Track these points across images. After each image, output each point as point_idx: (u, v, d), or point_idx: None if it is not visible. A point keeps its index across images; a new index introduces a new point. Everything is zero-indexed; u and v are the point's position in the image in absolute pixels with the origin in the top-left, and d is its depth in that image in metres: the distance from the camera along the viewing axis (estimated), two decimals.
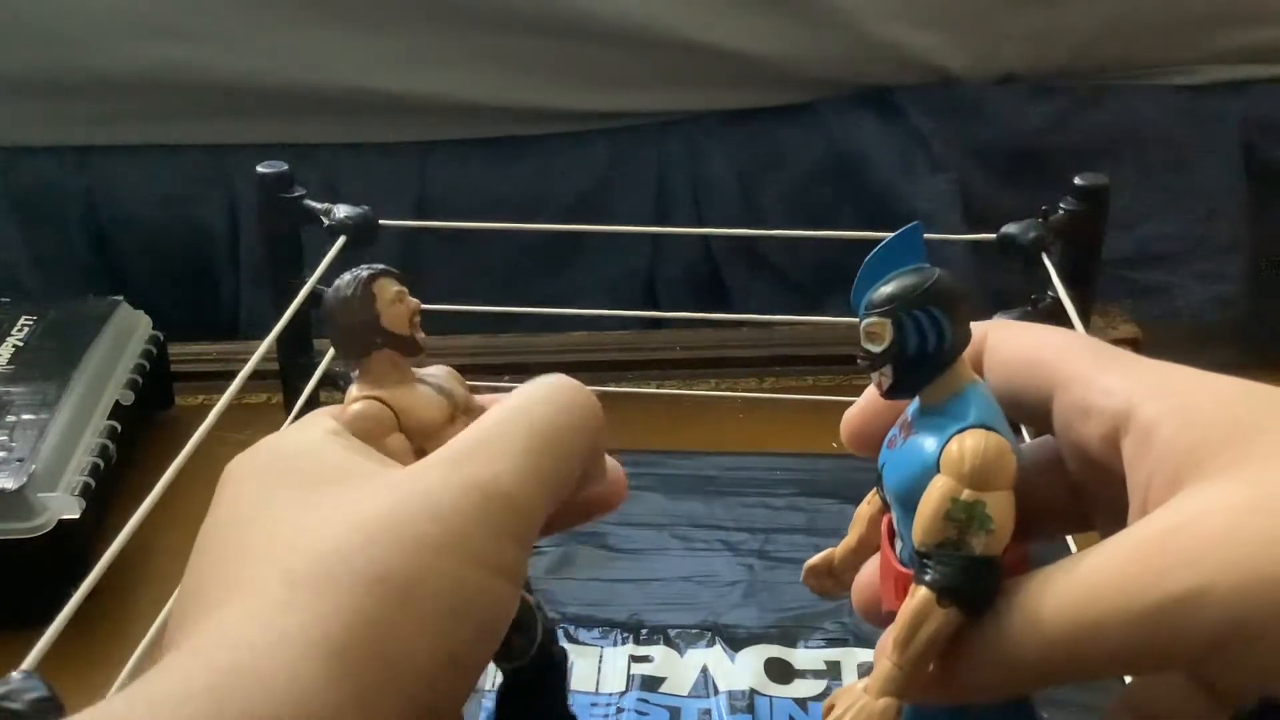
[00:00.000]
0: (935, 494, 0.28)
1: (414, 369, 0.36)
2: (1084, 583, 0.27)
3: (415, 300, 0.36)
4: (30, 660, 0.32)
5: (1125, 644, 0.27)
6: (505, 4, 0.93)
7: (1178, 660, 0.27)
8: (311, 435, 0.33)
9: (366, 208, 0.60)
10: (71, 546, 0.59)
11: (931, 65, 0.97)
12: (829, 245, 0.99)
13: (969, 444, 0.28)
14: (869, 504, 0.35)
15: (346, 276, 0.36)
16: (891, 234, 0.30)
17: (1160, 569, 0.26)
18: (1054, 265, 0.60)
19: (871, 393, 0.33)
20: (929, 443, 0.29)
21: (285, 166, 0.61)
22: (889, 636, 0.30)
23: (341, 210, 0.60)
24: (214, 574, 0.30)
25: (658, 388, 0.77)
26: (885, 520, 0.33)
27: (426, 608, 0.28)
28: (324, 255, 0.59)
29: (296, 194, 0.61)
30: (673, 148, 1.00)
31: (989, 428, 0.29)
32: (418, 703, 0.28)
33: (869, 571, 0.35)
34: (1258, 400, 0.28)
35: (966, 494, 0.28)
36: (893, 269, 0.30)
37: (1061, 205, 0.61)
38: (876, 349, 0.30)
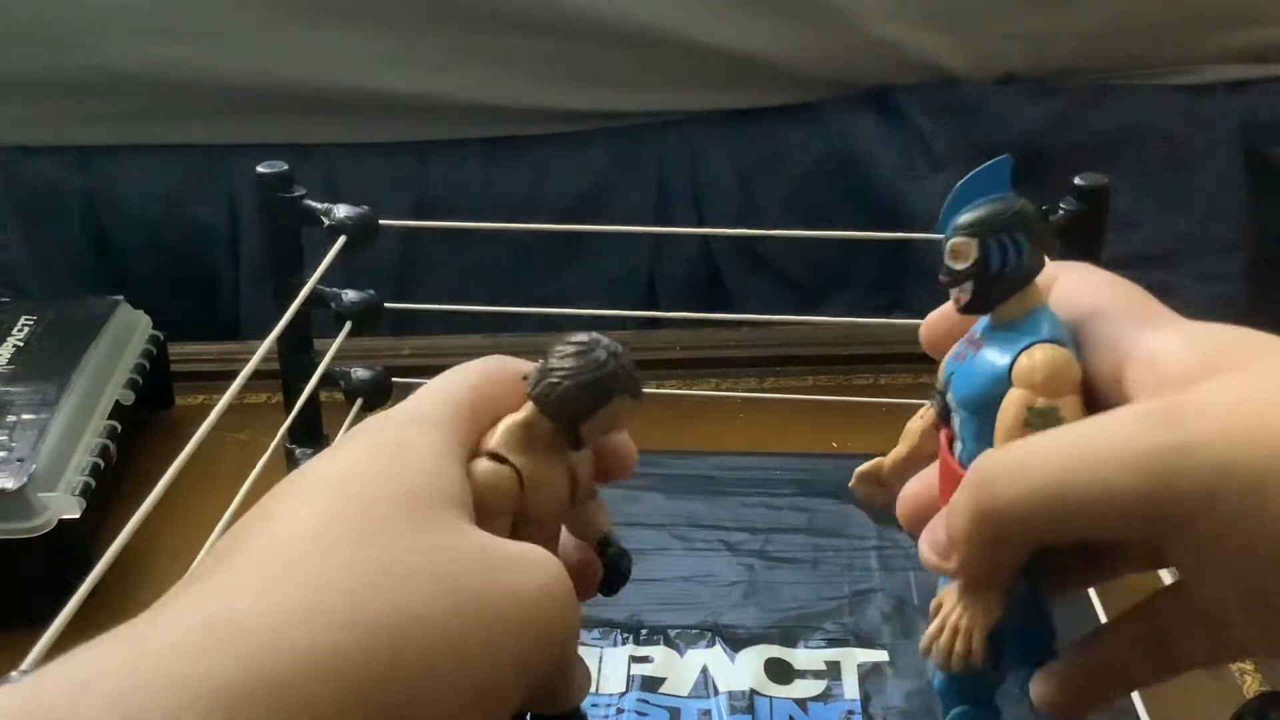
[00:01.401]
0: (1012, 405, 0.31)
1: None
2: (1079, 434, 0.29)
3: (626, 436, 0.36)
4: (30, 660, 0.32)
5: (1117, 488, 0.27)
6: (505, 4, 0.93)
7: (1168, 512, 0.27)
8: (405, 460, 0.32)
9: (366, 208, 0.60)
10: (71, 546, 0.59)
11: (931, 65, 0.97)
12: (829, 245, 0.99)
13: (1039, 356, 0.31)
14: (920, 419, 0.37)
15: (613, 366, 0.34)
16: (985, 163, 0.33)
17: (1160, 424, 0.28)
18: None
19: (948, 306, 0.35)
20: (1000, 356, 0.32)
21: (285, 166, 0.61)
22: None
23: (341, 210, 0.60)
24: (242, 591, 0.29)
25: (658, 388, 0.77)
26: (945, 432, 0.35)
27: (457, 687, 0.28)
28: (324, 255, 0.59)
29: (296, 194, 0.61)
30: (673, 148, 1.00)
31: (1056, 342, 0.32)
32: None
33: (917, 485, 0.36)
34: (1257, 337, 0.30)
35: (1041, 401, 0.31)
36: (980, 196, 0.32)
37: (1061, 205, 0.61)
38: (960, 266, 0.32)
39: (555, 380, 0.34)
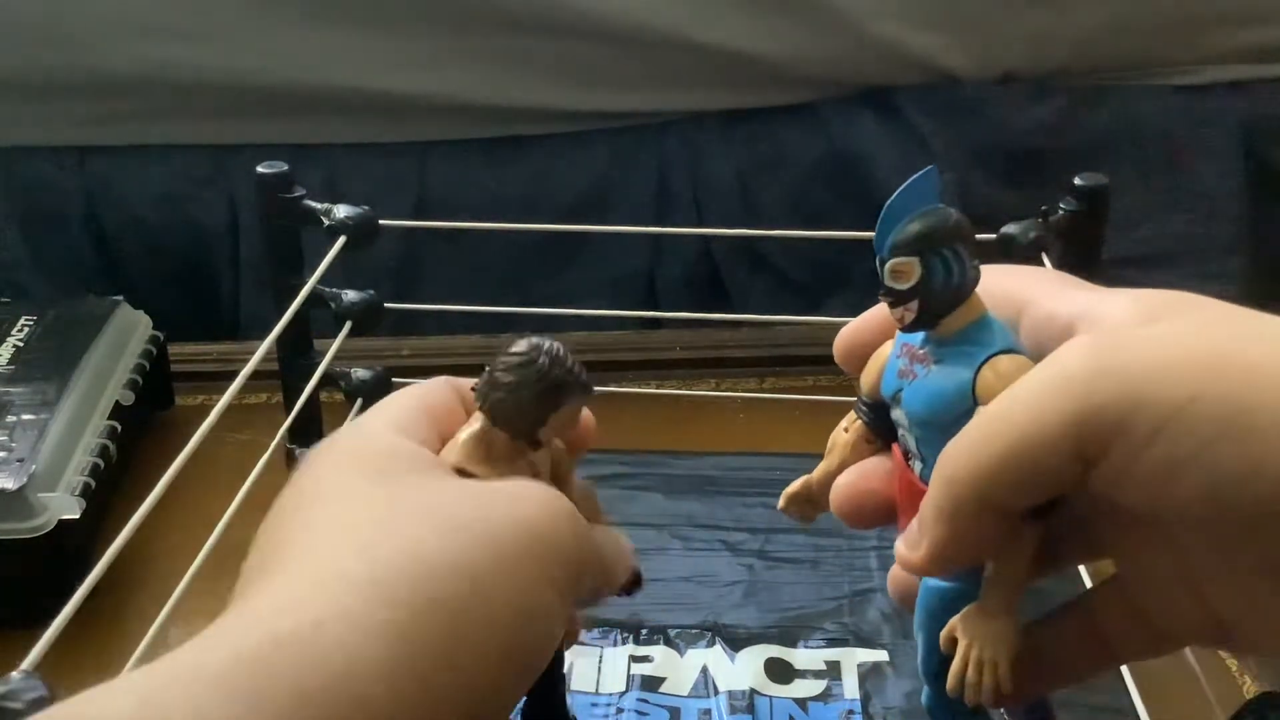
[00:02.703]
0: None
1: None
2: (1020, 383, 0.29)
3: (583, 429, 0.36)
4: (30, 660, 0.32)
5: (1047, 414, 0.28)
6: (505, 4, 0.93)
7: (1088, 438, 0.27)
8: (385, 437, 0.33)
9: (366, 208, 0.60)
10: (71, 546, 0.59)
11: (931, 65, 0.97)
12: (829, 245, 0.99)
13: (1002, 368, 0.31)
14: (846, 430, 0.36)
15: (558, 371, 0.35)
16: (911, 178, 0.33)
17: (1087, 354, 0.28)
18: (1054, 265, 0.60)
19: (866, 316, 0.36)
20: (959, 371, 0.31)
21: (285, 166, 0.61)
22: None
23: (341, 210, 0.60)
24: (282, 544, 0.30)
25: (658, 388, 0.77)
26: (897, 449, 0.35)
27: (497, 605, 0.28)
28: (324, 255, 0.59)
29: (296, 194, 0.61)
30: (673, 148, 1.00)
31: (1014, 351, 0.31)
32: (476, 697, 0.28)
33: (852, 476, 0.36)
34: (1197, 297, 0.30)
35: None
36: (910, 211, 0.32)
37: (1061, 205, 0.61)
38: (903, 286, 0.32)
39: (502, 395, 0.34)
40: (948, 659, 0.32)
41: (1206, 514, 0.27)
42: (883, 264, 0.32)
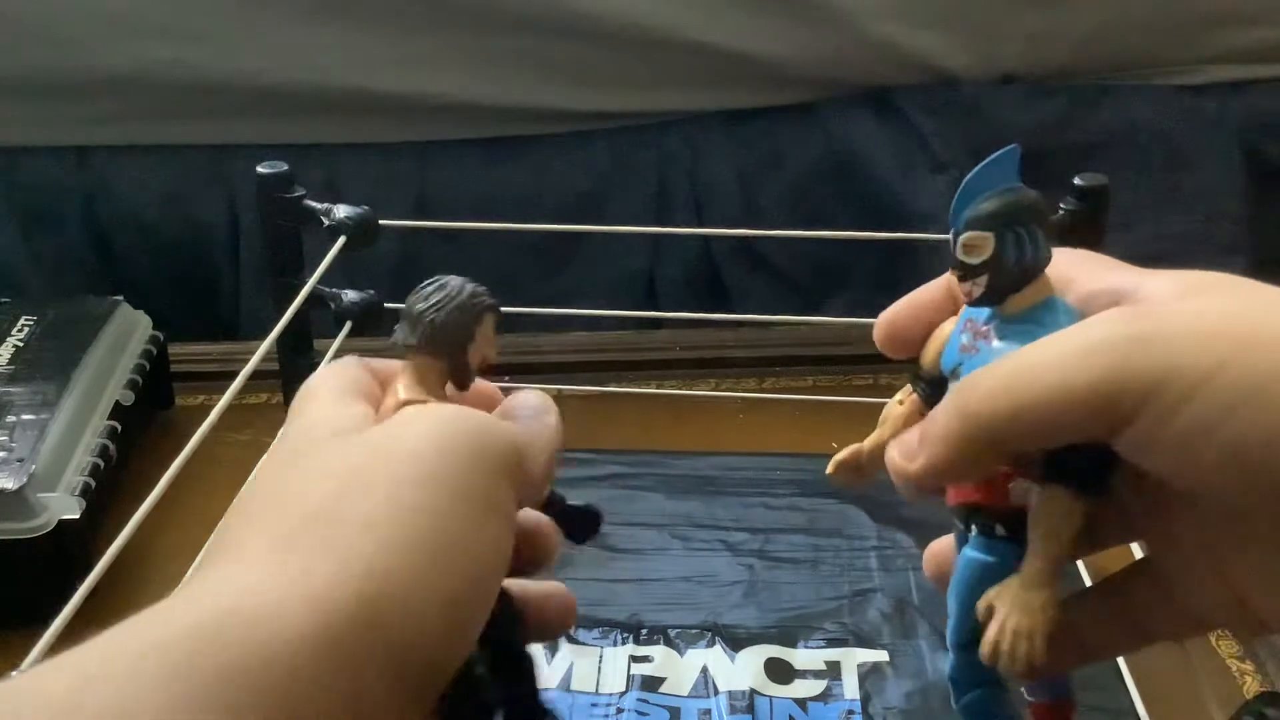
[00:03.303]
0: None
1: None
2: (1051, 337, 0.30)
3: (494, 351, 0.36)
4: (30, 660, 0.32)
5: (1074, 374, 0.28)
6: (505, 4, 0.93)
7: (1118, 399, 0.28)
8: (328, 411, 0.33)
9: (366, 208, 0.60)
10: (71, 546, 0.59)
11: (931, 65, 0.97)
12: (829, 245, 0.99)
13: None
14: (901, 403, 0.36)
15: (470, 287, 0.36)
16: (991, 156, 0.33)
17: (1122, 321, 0.29)
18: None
19: (912, 297, 0.36)
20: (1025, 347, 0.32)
21: (285, 166, 0.61)
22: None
23: (341, 210, 0.60)
24: (219, 542, 0.31)
25: (658, 388, 0.77)
26: None
27: (414, 547, 0.28)
28: (324, 255, 0.59)
29: (296, 194, 0.61)
30: (673, 148, 1.00)
31: None
32: (411, 650, 0.27)
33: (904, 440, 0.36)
34: (1237, 278, 0.31)
35: None
36: (988, 189, 0.32)
37: (1061, 205, 0.61)
38: (976, 261, 0.32)
39: (430, 318, 0.35)
40: (978, 629, 0.32)
41: (1228, 484, 0.28)
42: (956, 237, 0.32)
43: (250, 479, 0.33)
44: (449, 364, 0.35)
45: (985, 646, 0.32)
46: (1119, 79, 1.00)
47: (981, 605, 0.32)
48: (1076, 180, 0.61)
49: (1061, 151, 0.96)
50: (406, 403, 0.34)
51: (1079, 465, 0.31)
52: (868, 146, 0.99)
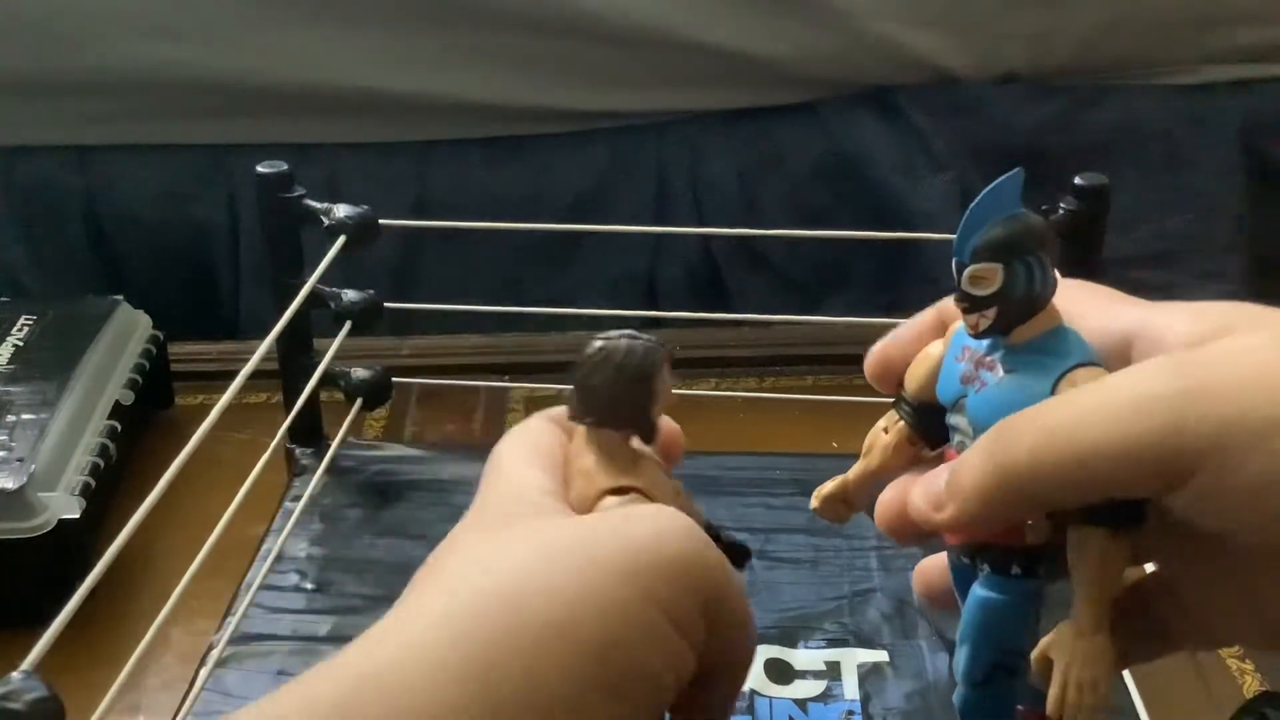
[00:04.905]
0: None
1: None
2: (1094, 389, 0.29)
3: (672, 437, 0.35)
4: (30, 660, 0.32)
5: (1128, 435, 0.27)
6: (505, 4, 0.93)
7: (1177, 459, 0.27)
8: (528, 489, 0.32)
9: (366, 208, 0.60)
10: (71, 546, 0.59)
11: (931, 65, 0.97)
12: (829, 245, 0.99)
13: (1082, 382, 0.30)
14: (886, 431, 0.35)
15: (640, 345, 0.33)
16: (994, 181, 0.31)
17: (1171, 374, 0.27)
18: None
19: (902, 331, 0.35)
20: (1036, 381, 0.30)
21: (285, 166, 0.61)
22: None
23: (341, 210, 0.60)
24: (405, 593, 0.30)
25: None
26: (950, 455, 0.33)
27: (586, 625, 0.27)
28: (324, 255, 0.58)
29: (296, 194, 0.61)
30: (673, 148, 1.00)
31: (1092, 364, 0.30)
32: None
33: (894, 494, 0.35)
34: (1252, 307, 0.30)
35: None
36: (992, 216, 0.31)
37: (1061, 205, 0.61)
38: (983, 292, 0.31)
39: (603, 390, 0.33)
40: (999, 667, 0.32)
41: None
42: (961, 269, 0.31)
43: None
44: (634, 431, 0.33)
45: (1052, 703, 0.30)
46: (1119, 79, 1.00)
47: (1037, 657, 0.31)
48: (1076, 180, 0.61)
49: (1061, 151, 0.96)
50: (610, 491, 0.32)
51: (1114, 506, 0.29)
52: (868, 146, 0.99)
